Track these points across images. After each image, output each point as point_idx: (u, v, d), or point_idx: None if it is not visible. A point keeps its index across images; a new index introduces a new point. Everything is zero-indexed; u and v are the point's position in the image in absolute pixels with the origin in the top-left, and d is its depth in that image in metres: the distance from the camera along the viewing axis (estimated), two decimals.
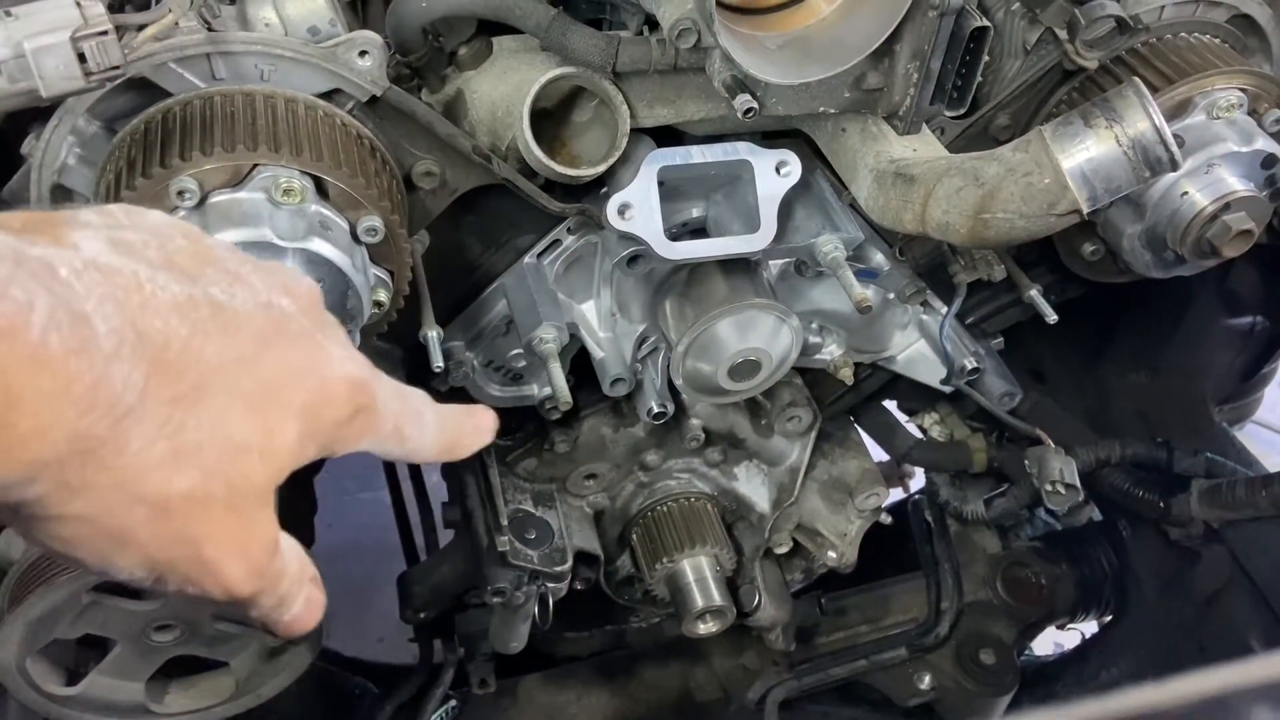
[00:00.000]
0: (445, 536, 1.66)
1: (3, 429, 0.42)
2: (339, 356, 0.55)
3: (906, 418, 1.74)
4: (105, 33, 0.73)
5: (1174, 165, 0.86)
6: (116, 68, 0.74)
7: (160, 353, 0.47)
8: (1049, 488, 1.37)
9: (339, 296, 0.89)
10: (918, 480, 2.04)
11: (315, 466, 1.65)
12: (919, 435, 1.71)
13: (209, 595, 0.53)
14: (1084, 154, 0.87)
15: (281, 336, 0.53)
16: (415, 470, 1.74)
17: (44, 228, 0.49)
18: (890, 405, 1.69)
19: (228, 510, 0.51)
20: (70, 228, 0.49)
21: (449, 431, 0.63)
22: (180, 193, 0.84)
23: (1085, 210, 0.88)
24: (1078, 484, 1.37)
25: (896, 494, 2.00)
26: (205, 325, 0.50)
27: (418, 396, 0.61)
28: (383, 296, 0.96)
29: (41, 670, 1.10)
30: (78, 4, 0.73)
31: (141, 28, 0.80)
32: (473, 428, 0.65)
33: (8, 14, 0.72)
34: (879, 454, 1.67)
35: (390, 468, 1.82)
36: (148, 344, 0.47)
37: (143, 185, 0.85)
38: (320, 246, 0.87)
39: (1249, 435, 2.07)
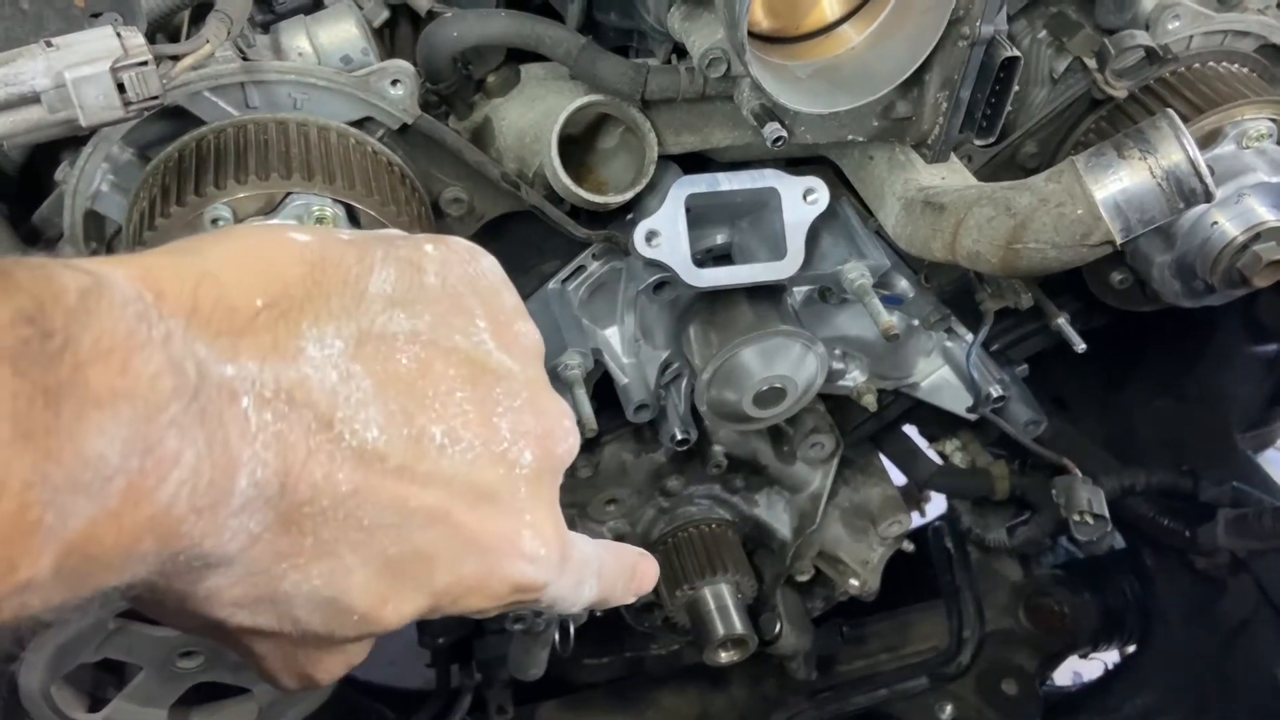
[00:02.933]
0: None
1: (89, 582, 0.37)
2: (529, 549, 0.47)
3: (927, 444, 1.73)
4: (145, 63, 0.73)
5: (1208, 196, 0.86)
6: (155, 98, 0.74)
7: (297, 509, 0.42)
8: (1077, 517, 1.35)
9: None
10: (936, 502, 2.02)
11: None
12: (940, 462, 1.70)
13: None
14: (1117, 185, 0.86)
15: (478, 509, 0.45)
16: None
17: (286, 317, 0.42)
18: (911, 431, 1.68)
19: (293, 645, 0.47)
20: (321, 317, 0.43)
21: (601, 596, 0.56)
22: (215, 220, 0.85)
23: (1118, 241, 0.87)
24: (1106, 514, 1.36)
25: (915, 519, 1.99)
26: (381, 484, 0.43)
27: (590, 573, 0.53)
28: None
29: (66, 696, 1.10)
30: (118, 35, 0.73)
31: (177, 57, 0.80)
32: (628, 590, 0.58)
33: (49, 44, 0.72)
34: (897, 477, 1.66)
35: None
36: (287, 499, 0.41)
37: (177, 213, 0.85)
38: None
39: (1268, 461, 2.05)
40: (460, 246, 0.49)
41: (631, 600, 0.59)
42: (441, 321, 0.46)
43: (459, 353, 0.46)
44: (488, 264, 0.50)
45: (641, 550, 0.60)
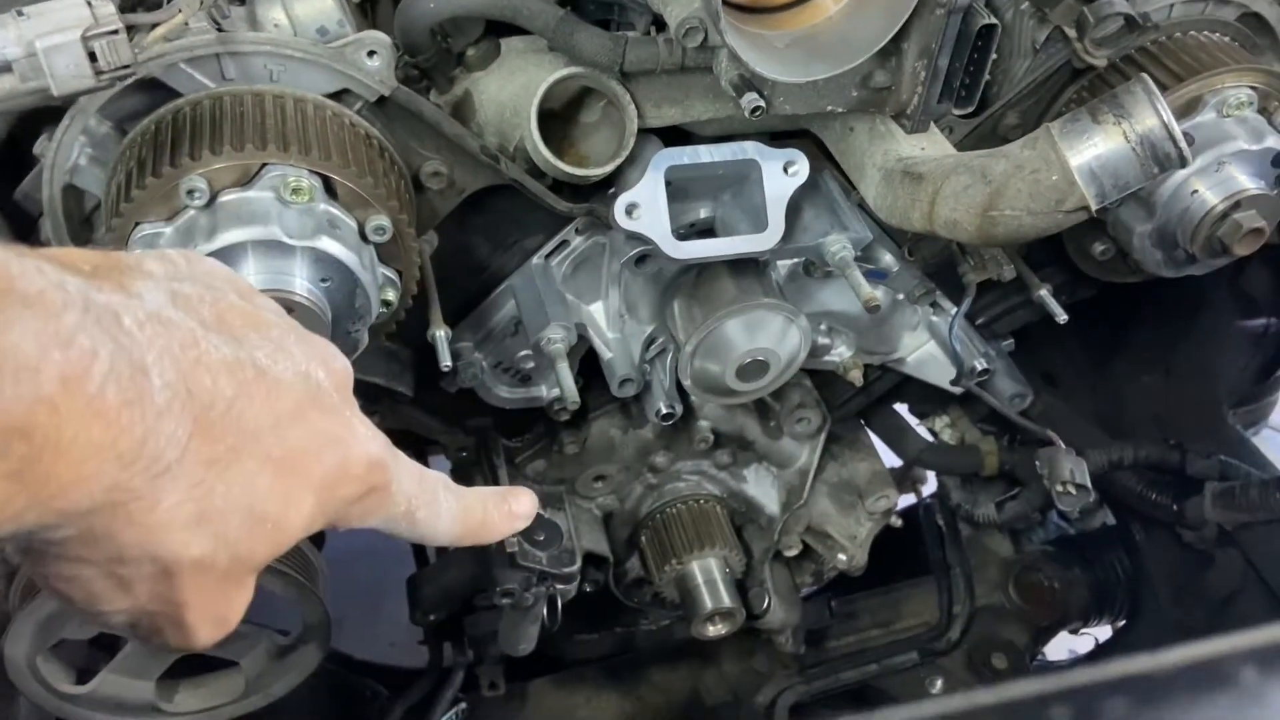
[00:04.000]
0: None
1: (45, 478, 0.42)
2: (363, 435, 0.56)
3: (917, 421, 1.73)
4: (116, 32, 0.74)
5: (1183, 161, 0.86)
6: (127, 67, 0.75)
7: (205, 412, 0.48)
8: (1060, 489, 1.36)
9: (347, 295, 0.90)
10: (929, 485, 2.03)
11: None
12: (930, 438, 1.70)
13: (164, 646, 0.56)
14: (1092, 150, 0.87)
15: (315, 408, 0.54)
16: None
17: (111, 274, 0.50)
18: (901, 408, 1.68)
19: (221, 580, 0.52)
20: (135, 276, 0.51)
21: (470, 516, 0.64)
22: (190, 191, 0.85)
23: (1093, 207, 0.87)
24: (1089, 484, 1.36)
25: (908, 498, 2.00)
26: (250, 388, 0.50)
27: (437, 481, 0.62)
28: (390, 296, 0.96)
29: (52, 668, 1.10)
30: (89, 3, 0.73)
31: (152, 28, 0.80)
32: (504, 514, 0.66)
33: (20, 13, 0.73)
34: (890, 459, 1.66)
35: None
36: (196, 401, 0.48)
37: (153, 184, 0.85)
38: (328, 245, 0.87)
39: (1263, 441, 2.05)
40: (184, 252, 0.58)
41: (516, 523, 0.67)
42: (210, 290, 0.54)
43: (236, 307, 0.54)
44: (211, 260, 0.59)
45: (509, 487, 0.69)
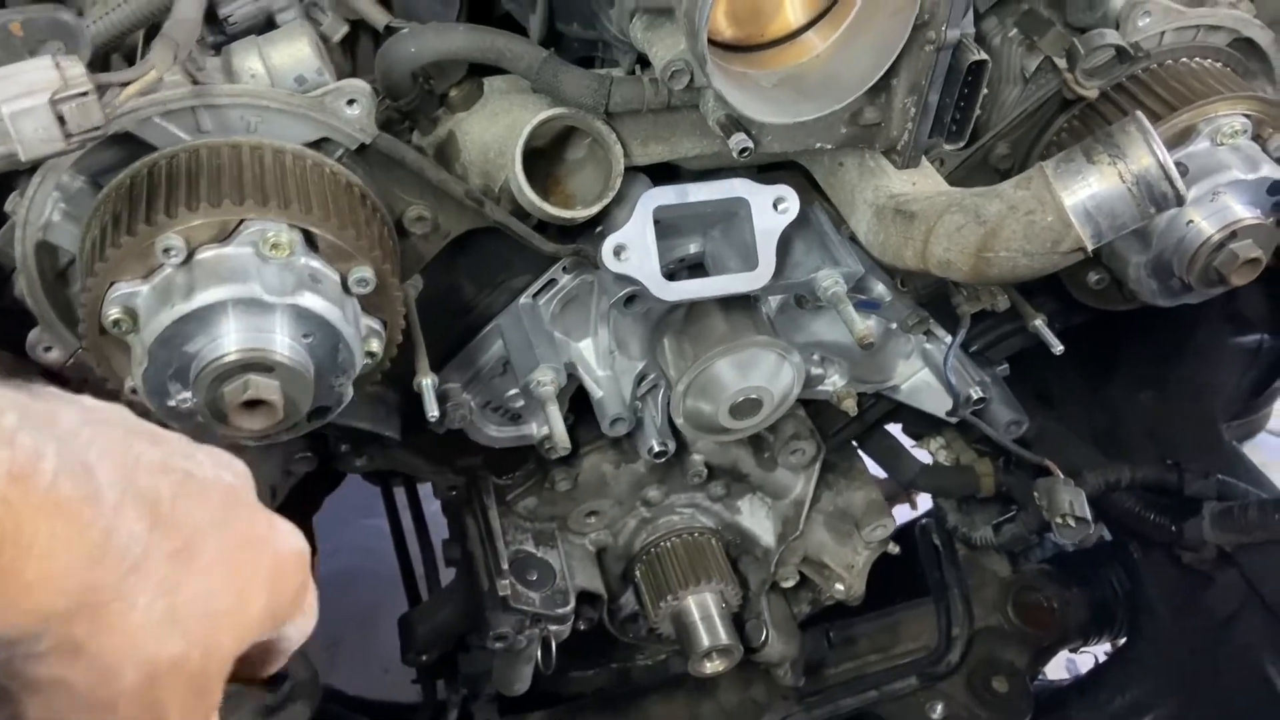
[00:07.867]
0: (447, 569, 1.63)
1: (10, 575, 0.42)
2: (286, 529, 0.57)
3: (912, 443, 1.71)
4: (85, 93, 0.71)
5: (1179, 200, 0.84)
6: (97, 128, 0.72)
7: (156, 507, 0.48)
8: (1059, 521, 1.34)
9: (330, 349, 0.88)
10: (925, 499, 2.01)
11: (315, 503, 1.64)
12: (925, 460, 1.69)
13: None
14: (1087, 191, 0.85)
15: (240, 505, 0.54)
16: (414, 499, 1.72)
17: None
18: (895, 429, 1.67)
19: (195, 678, 0.51)
20: (56, 402, 0.50)
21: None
22: (166, 249, 0.82)
23: (1090, 248, 0.86)
24: (1089, 516, 1.35)
25: (905, 512, 1.98)
26: (186, 487, 0.50)
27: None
28: (375, 346, 0.94)
29: None
30: (57, 65, 0.71)
31: (124, 85, 0.78)
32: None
33: None
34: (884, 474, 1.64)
35: (389, 497, 1.79)
36: (144, 498, 0.47)
37: (128, 243, 0.83)
38: (310, 301, 0.85)
39: (1258, 445, 2.04)
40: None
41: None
42: (112, 409, 0.53)
43: (141, 427, 0.53)
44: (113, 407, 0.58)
45: None
